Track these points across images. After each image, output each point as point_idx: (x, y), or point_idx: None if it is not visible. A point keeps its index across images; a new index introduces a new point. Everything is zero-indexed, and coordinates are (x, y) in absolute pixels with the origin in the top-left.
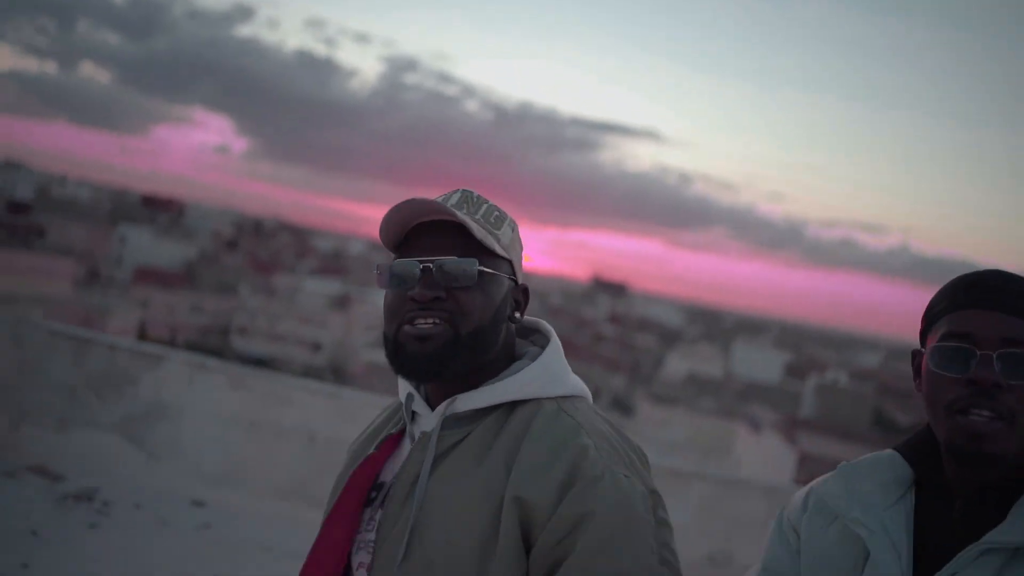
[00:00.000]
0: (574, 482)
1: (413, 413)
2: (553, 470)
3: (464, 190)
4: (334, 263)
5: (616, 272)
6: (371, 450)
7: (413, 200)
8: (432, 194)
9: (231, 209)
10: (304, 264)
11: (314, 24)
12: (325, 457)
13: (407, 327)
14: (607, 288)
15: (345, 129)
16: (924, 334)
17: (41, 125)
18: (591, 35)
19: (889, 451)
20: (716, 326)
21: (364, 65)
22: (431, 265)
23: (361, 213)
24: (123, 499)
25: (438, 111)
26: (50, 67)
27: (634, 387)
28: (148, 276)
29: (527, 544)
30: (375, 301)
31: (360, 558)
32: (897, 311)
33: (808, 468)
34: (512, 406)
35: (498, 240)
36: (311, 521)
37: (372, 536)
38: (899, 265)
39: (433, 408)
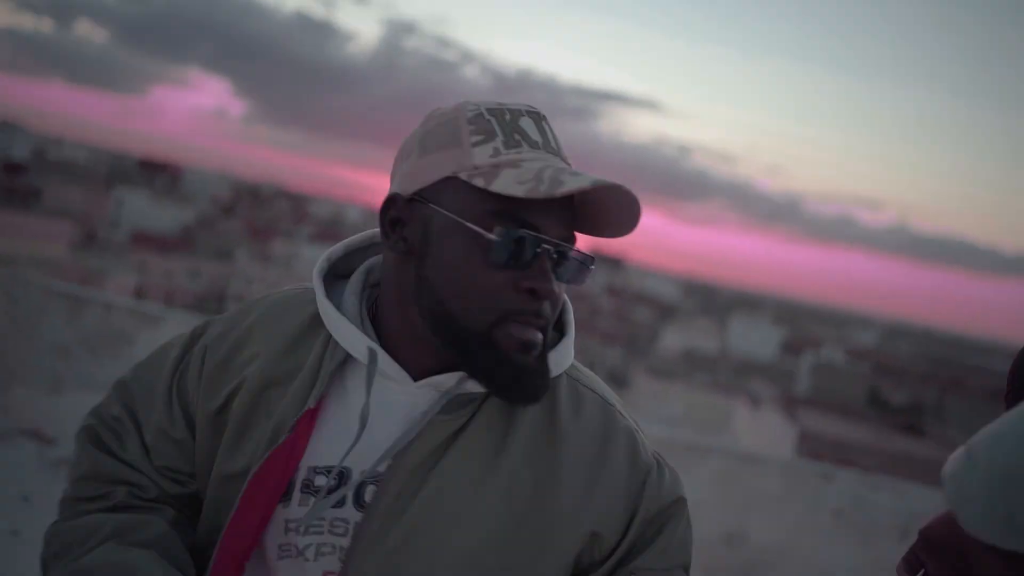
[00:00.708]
0: (641, 493)
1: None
2: (615, 484)
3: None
4: (331, 230)
5: (613, 245)
6: (289, 422)
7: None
8: None
9: (229, 173)
10: (301, 230)
11: None
12: None
13: (515, 328)
14: (604, 260)
15: (343, 93)
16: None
17: (37, 84)
18: (592, 4)
19: None
20: (713, 301)
21: (363, 28)
22: (575, 255)
23: (358, 179)
24: None
25: (437, 76)
26: (46, 24)
27: (630, 361)
28: (145, 240)
29: (578, 560)
30: None
31: (321, 566)
32: (894, 289)
33: (809, 445)
34: None
35: None
36: None
37: (345, 542)
38: (896, 242)
39: (415, 378)
